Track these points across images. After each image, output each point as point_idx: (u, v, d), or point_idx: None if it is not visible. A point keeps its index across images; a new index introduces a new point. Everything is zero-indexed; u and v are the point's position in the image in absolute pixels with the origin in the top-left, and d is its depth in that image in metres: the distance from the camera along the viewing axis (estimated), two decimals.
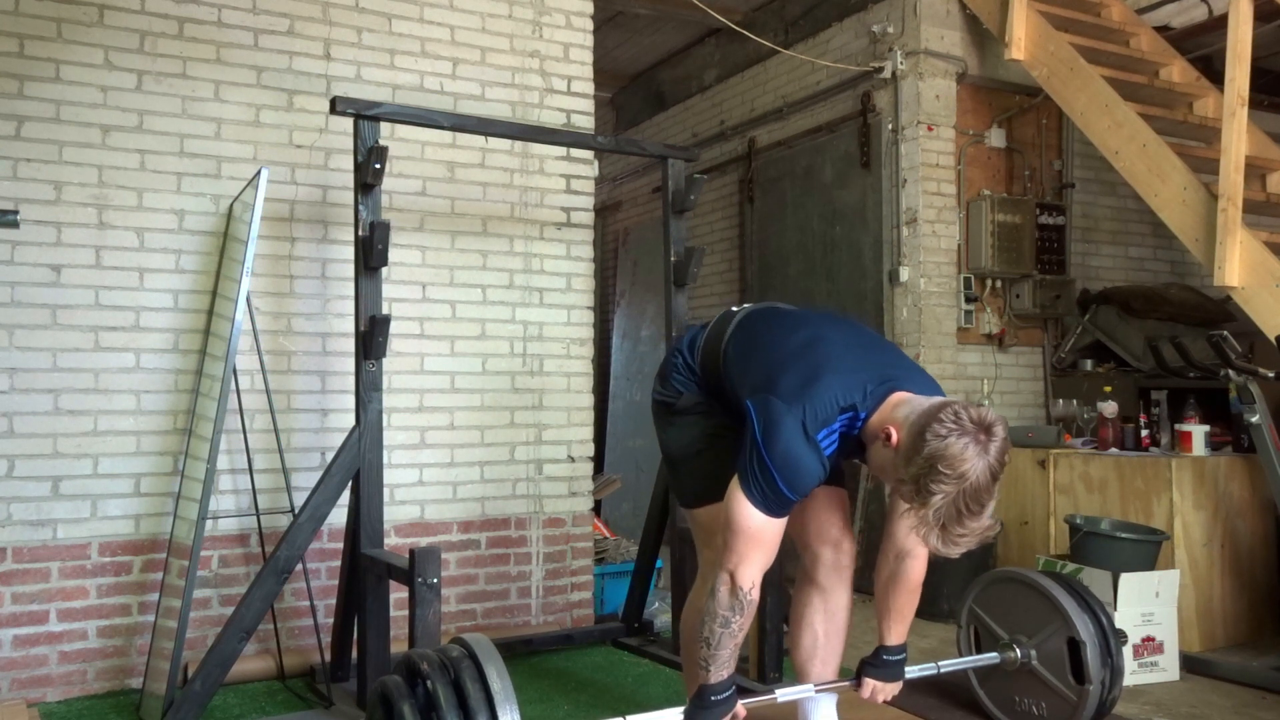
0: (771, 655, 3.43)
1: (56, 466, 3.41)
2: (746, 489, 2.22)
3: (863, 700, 2.60)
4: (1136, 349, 4.92)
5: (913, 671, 2.66)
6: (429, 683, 2.09)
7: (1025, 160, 5.29)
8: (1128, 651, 3.61)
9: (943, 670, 2.79)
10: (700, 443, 2.55)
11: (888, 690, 2.57)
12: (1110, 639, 2.76)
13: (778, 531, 2.27)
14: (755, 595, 2.26)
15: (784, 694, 2.50)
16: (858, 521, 4.79)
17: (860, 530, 4.90)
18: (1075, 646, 2.74)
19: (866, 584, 5.07)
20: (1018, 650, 2.87)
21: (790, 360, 2.30)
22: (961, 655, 3.11)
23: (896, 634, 2.56)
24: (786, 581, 3.41)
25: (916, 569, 2.52)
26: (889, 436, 2.15)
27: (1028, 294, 5.14)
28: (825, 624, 2.63)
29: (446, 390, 4.04)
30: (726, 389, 2.47)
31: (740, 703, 2.36)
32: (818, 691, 2.55)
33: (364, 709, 3.18)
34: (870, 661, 2.57)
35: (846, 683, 2.59)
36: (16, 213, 3.08)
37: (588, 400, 4.36)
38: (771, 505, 2.22)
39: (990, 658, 2.90)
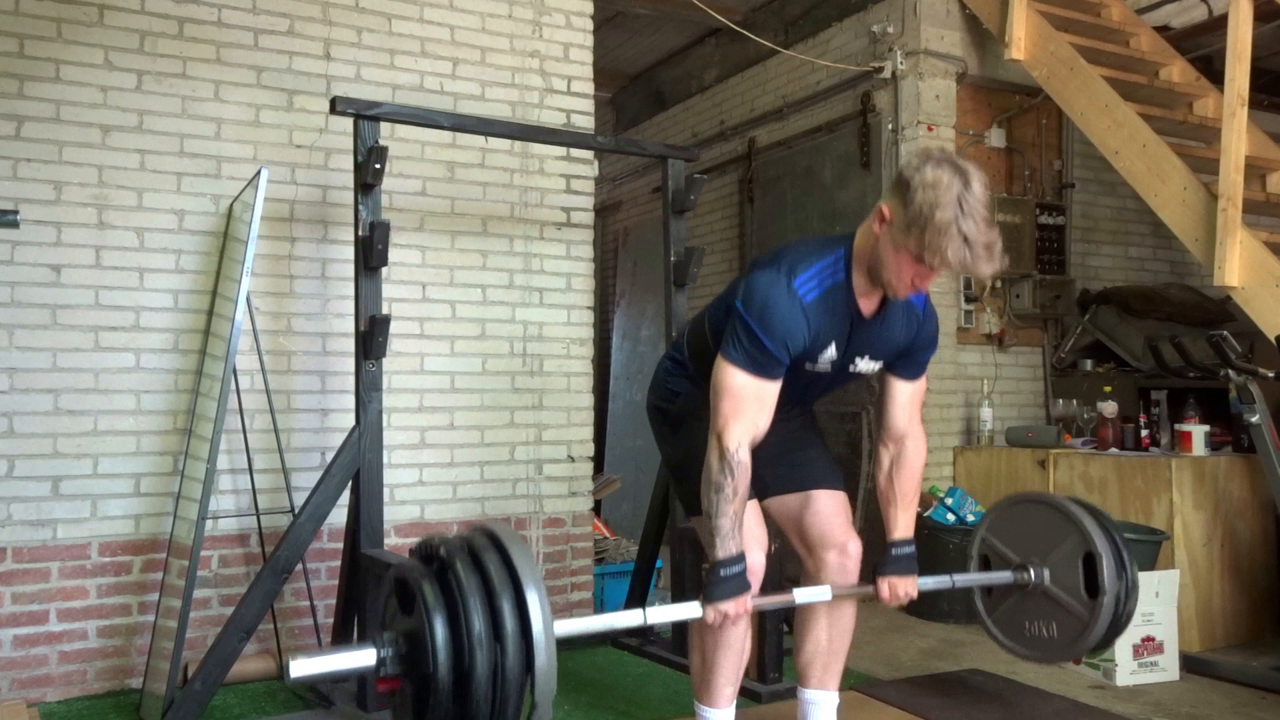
0: (772, 655, 3.42)
1: (56, 466, 3.41)
2: (726, 351, 2.25)
3: (883, 604, 2.55)
4: (1136, 349, 4.92)
5: (927, 582, 2.63)
6: (449, 564, 1.88)
7: (1025, 160, 5.29)
8: (1127, 651, 3.62)
9: (957, 584, 2.79)
10: (701, 450, 2.48)
11: (905, 586, 2.51)
12: (1124, 553, 2.74)
13: (763, 393, 2.25)
14: (743, 457, 2.22)
15: (801, 594, 2.42)
16: (857, 521, 4.79)
17: (860, 530, 4.90)
18: (1090, 561, 2.72)
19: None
20: (1030, 570, 2.85)
21: (761, 257, 2.41)
22: (975, 595, 3.04)
23: (904, 526, 2.53)
24: (788, 582, 3.41)
25: (917, 451, 2.54)
26: (881, 218, 2.19)
27: (1028, 294, 5.14)
28: (830, 629, 2.61)
29: (446, 390, 4.04)
30: (714, 352, 2.42)
31: (753, 598, 2.30)
32: (834, 595, 2.48)
33: (364, 709, 3.18)
34: (881, 560, 2.53)
35: (866, 587, 2.53)
36: (16, 213, 3.07)
37: (588, 400, 4.36)
38: (753, 360, 2.22)
39: (1004, 575, 2.88)
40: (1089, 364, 5.16)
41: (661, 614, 2.28)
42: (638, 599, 4.11)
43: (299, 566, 3.38)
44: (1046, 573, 2.81)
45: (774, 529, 2.63)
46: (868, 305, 2.33)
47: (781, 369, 2.26)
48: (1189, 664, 3.74)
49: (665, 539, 4.01)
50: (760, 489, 2.50)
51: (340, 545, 3.47)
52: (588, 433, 4.36)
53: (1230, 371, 3.72)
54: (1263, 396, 3.68)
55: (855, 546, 2.58)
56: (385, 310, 3.48)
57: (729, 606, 2.23)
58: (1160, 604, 3.67)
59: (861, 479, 5.03)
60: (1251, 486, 4.14)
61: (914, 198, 2.10)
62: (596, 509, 4.68)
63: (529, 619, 1.76)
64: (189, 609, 3.14)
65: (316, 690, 3.42)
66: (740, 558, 2.25)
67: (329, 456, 3.49)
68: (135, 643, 3.49)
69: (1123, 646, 3.61)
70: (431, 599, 1.80)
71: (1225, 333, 3.77)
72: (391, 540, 3.79)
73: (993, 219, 2.13)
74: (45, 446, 3.40)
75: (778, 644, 3.44)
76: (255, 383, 3.64)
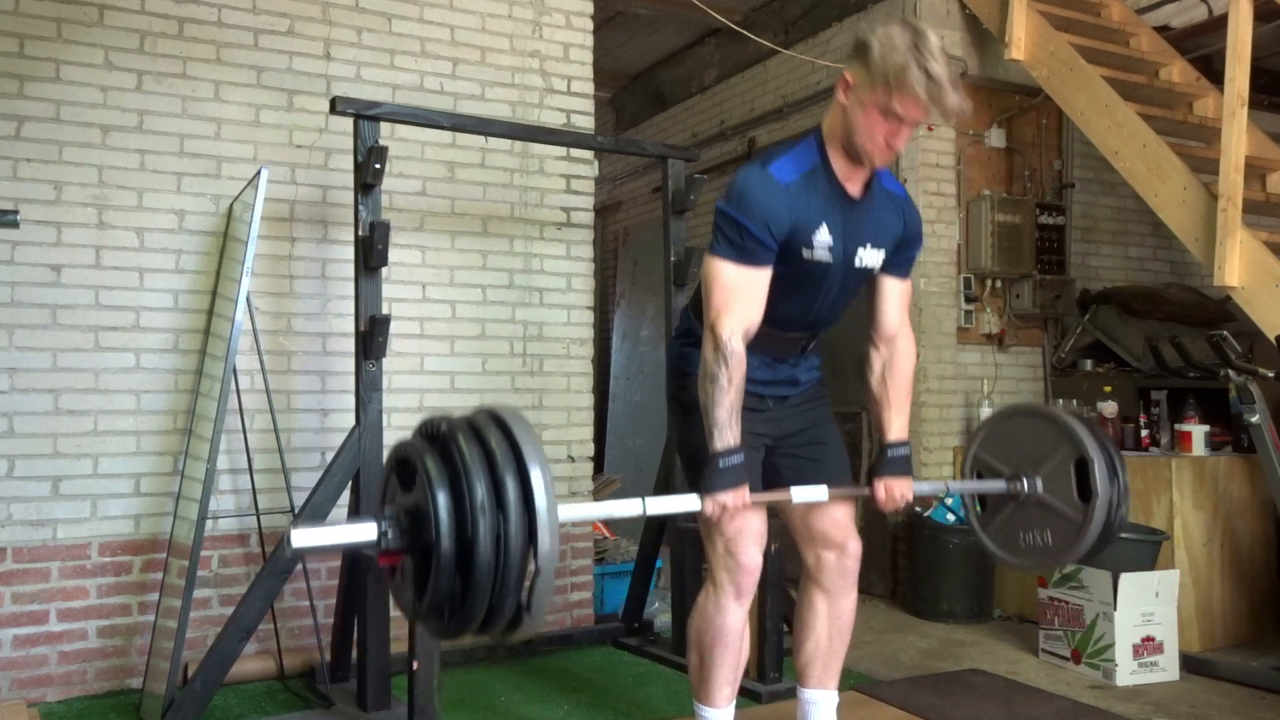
0: (772, 655, 3.42)
1: (56, 466, 3.41)
2: (713, 247, 2.30)
3: (880, 507, 2.53)
4: (1136, 349, 4.92)
5: (922, 487, 2.62)
6: (451, 438, 1.85)
7: (1025, 160, 5.29)
8: (1127, 651, 3.62)
9: (952, 490, 2.80)
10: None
11: (901, 487, 2.50)
12: (1115, 459, 2.75)
13: (753, 281, 2.28)
14: (736, 346, 2.24)
15: (798, 493, 2.39)
16: (857, 521, 4.78)
17: (860, 530, 4.90)
18: (1082, 467, 2.73)
19: (864, 584, 5.07)
20: (1023, 479, 2.85)
21: None
22: (968, 509, 3.04)
23: (897, 428, 2.53)
24: (788, 582, 3.41)
25: (908, 351, 2.55)
26: (845, 85, 2.26)
27: (1028, 294, 5.13)
28: (829, 628, 2.61)
29: (446, 390, 4.03)
30: None
31: (750, 494, 2.29)
32: (831, 497, 2.46)
33: (364, 709, 3.18)
34: (877, 463, 2.53)
35: (862, 489, 2.53)
36: (16, 213, 3.07)
37: (588, 400, 4.36)
38: (738, 248, 2.26)
39: (997, 484, 2.88)
40: (1089, 364, 5.16)
41: (660, 505, 2.29)
42: (638, 599, 4.11)
43: (299, 566, 3.38)
44: (1039, 482, 2.82)
45: (775, 527, 2.63)
46: (853, 187, 2.37)
47: (768, 254, 2.28)
48: (1189, 664, 3.74)
49: (665, 539, 4.01)
50: (774, 479, 2.50)
51: None
52: (588, 433, 4.36)
53: (1230, 371, 3.72)
54: (1263, 396, 3.68)
55: (855, 546, 2.59)
56: (385, 310, 3.48)
57: (727, 497, 2.24)
58: (1160, 604, 3.68)
59: (861, 478, 5.02)
60: (1251, 486, 4.14)
61: (873, 53, 2.19)
62: None
63: (531, 487, 1.75)
64: (189, 609, 3.14)
65: (316, 690, 3.42)
66: (738, 449, 2.25)
67: (329, 456, 3.49)
68: (135, 643, 3.49)
69: (1123, 646, 3.61)
70: (433, 469, 1.79)
71: (1225, 333, 3.78)
72: None
73: (950, 64, 2.20)
74: (45, 446, 3.40)
75: (778, 644, 3.44)
76: (255, 383, 3.64)
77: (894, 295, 2.54)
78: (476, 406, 1.96)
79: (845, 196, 2.35)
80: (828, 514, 2.56)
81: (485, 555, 1.71)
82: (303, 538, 1.76)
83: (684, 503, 2.26)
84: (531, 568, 1.74)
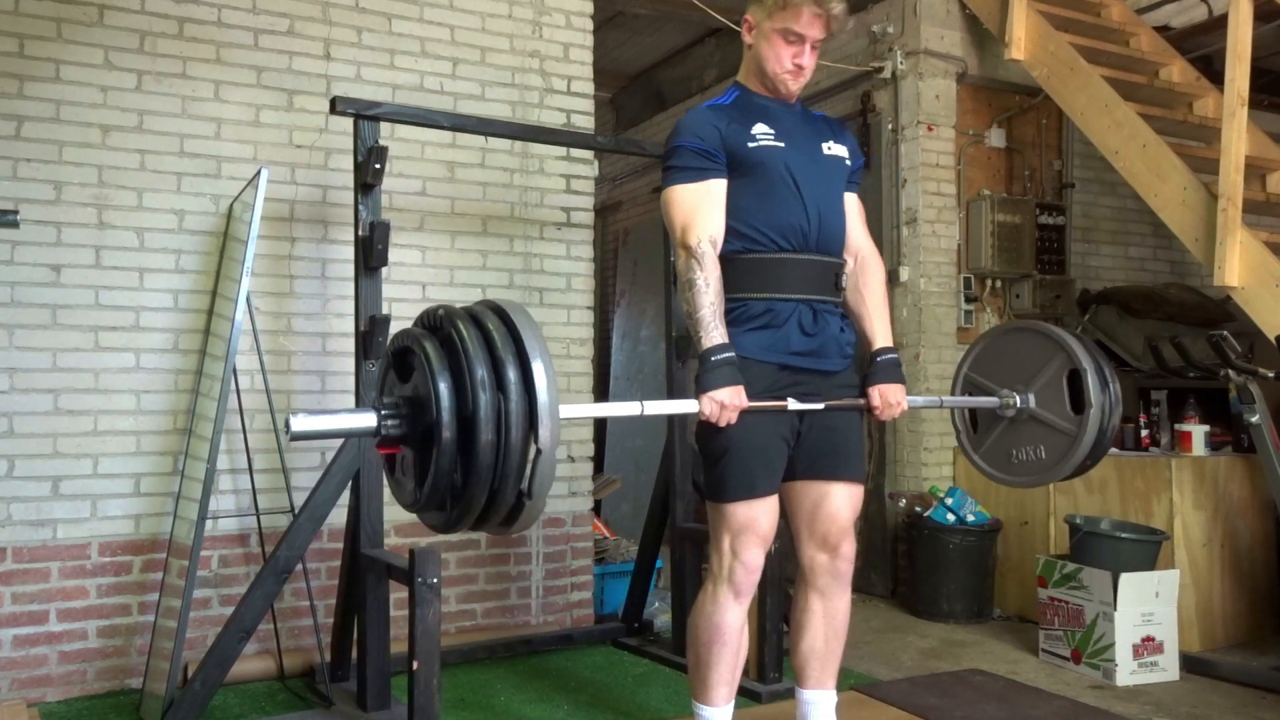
0: (771, 655, 3.43)
1: (56, 466, 3.41)
2: (665, 182, 2.44)
3: (877, 415, 2.53)
4: (1136, 349, 4.92)
5: (916, 400, 2.64)
6: (450, 323, 1.84)
7: (1025, 160, 5.29)
8: (1127, 651, 3.62)
9: (945, 404, 2.81)
10: (734, 439, 2.41)
11: (895, 393, 2.53)
12: (1106, 370, 2.75)
13: (707, 194, 2.40)
14: (706, 249, 2.34)
15: (794, 401, 2.39)
16: (857, 522, 4.78)
17: (860, 530, 4.90)
18: (1074, 379, 2.73)
19: (863, 584, 5.07)
20: (1016, 395, 2.85)
21: None
22: (959, 431, 3.03)
23: (882, 334, 2.59)
24: (786, 582, 3.41)
25: (876, 260, 2.65)
26: (748, 26, 2.55)
27: (1028, 294, 5.13)
28: (825, 628, 2.61)
29: None
30: None
31: (749, 404, 2.30)
32: (827, 408, 2.46)
33: (364, 709, 3.19)
34: (869, 371, 2.55)
35: (859, 400, 2.53)
36: (16, 213, 3.08)
37: (588, 400, 4.36)
38: (683, 169, 2.41)
39: (991, 400, 2.87)
40: None
41: (660, 406, 2.31)
42: (638, 599, 4.11)
43: (299, 566, 3.38)
44: (1032, 397, 2.82)
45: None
46: (775, 103, 2.55)
47: (713, 164, 2.41)
48: (1189, 664, 3.74)
49: (665, 539, 4.01)
50: (790, 472, 2.50)
51: (340, 545, 3.48)
52: (588, 433, 4.36)
53: (1230, 371, 3.72)
54: (1263, 396, 3.68)
55: (849, 549, 2.59)
56: (385, 310, 3.48)
57: (724, 394, 2.26)
58: (1160, 604, 3.68)
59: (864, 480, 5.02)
60: (1251, 486, 4.14)
61: None
62: (596, 509, 4.68)
63: (531, 370, 1.75)
64: (189, 609, 3.15)
65: (316, 690, 3.42)
66: (727, 346, 2.31)
67: (329, 456, 3.49)
68: (135, 643, 3.49)
69: (1123, 646, 3.62)
70: (433, 353, 1.78)
71: (1225, 333, 3.77)
72: (391, 540, 3.78)
73: None
74: (45, 446, 3.40)
75: (777, 644, 3.44)
76: (255, 383, 3.64)
77: (852, 207, 2.65)
78: (481, 300, 1.95)
79: (775, 106, 2.55)
80: (830, 514, 2.56)
81: (486, 436, 1.70)
82: (302, 423, 1.75)
83: (683, 405, 2.30)
84: (533, 451, 1.72)
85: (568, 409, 1.96)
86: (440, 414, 1.70)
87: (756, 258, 2.44)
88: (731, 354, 2.30)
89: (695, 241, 2.33)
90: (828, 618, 2.61)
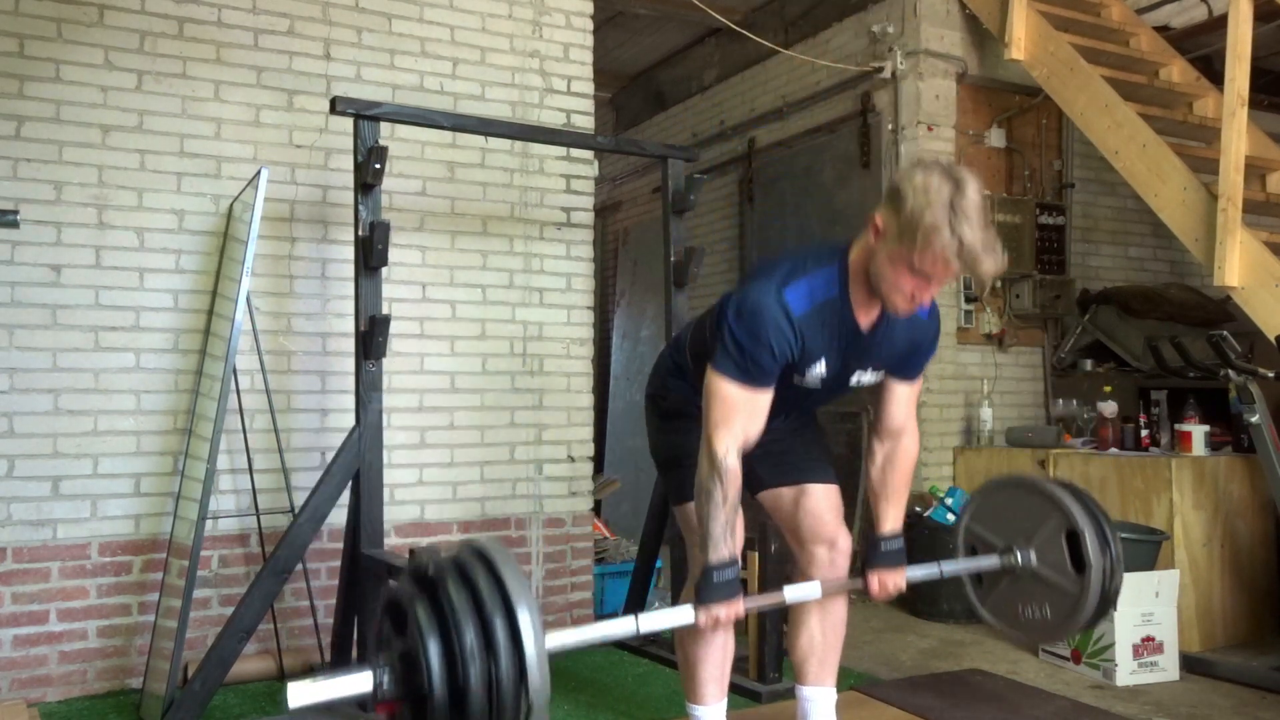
0: (771, 655, 3.43)
1: (56, 466, 3.41)
2: (716, 359, 2.25)
3: (872, 599, 2.53)
4: (1136, 349, 4.92)
5: (915, 573, 2.63)
6: (439, 582, 1.90)
7: (1025, 160, 5.29)
8: (1127, 651, 3.62)
9: (945, 573, 2.79)
10: (689, 446, 2.42)
11: (894, 579, 2.51)
12: (1105, 527, 2.75)
13: (752, 402, 2.25)
14: (732, 463, 2.22)
15: (791, 591, 2.41)
16: (857, 523, 4.79)
17: (859, 530, 4.90)
18: (1074, 539, 2.73)
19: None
20: (1017, 553, 2.85)
21: (761, 263, 2.44)
22: (966, 583, 3.04)
23: (892, 520, 2.54)
24: (786, 582, 3.40)
25: (910, 447, 2.53)
26: (875, 231, 2.16)
27: (1028, 294, 5.13)
28: (822, 623, 2.62)
29: (446, 390, 4.03)
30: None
31: (744, 600, 2.29)
32: (824, 592, 2.46)
33: (364, 709, 3.18)
34: (870, 554, 2.53)
35: (855, 581, 2.53)
36: (16, 213, 3.08)
37: (588, 400, 4.36)
38: (741, 369, 2.22)
39: (990, 560, 2.87)
40: (1089, 364, 5.16)
41: (654, 621, 2.28)
42: (638, 599, 4.11)
43: (299, 566, 3.38)
44: (1033, 554, 2.81)
45: (774, 528, 2.62)
46: (866, 318, 2.31)
47: (771, 379, 2.25)
48: (1189, 664, 3.74)
49: (665, 539, 4.01)
50: (754, 484, 2.52)
51: (340, 545, 3.47)
52: (588, 433, 4.36)
53: (1230, 371, 3.72)
54: (1263, 396, 3.67)
55: (845, 541, 2.59)
56: (385, 310, 3.48)
57: (720, 610, 2.23)
58: (1160, 604, 3.68)
59: (861, 479, 5.02)
60: (1251, 486, 4.14)
61: (905, 205, 2.06)
62: (596, 509, 4.68)
63: (519, 630, 1.80)
64: (189, 609, 3.14)
65: None
66: (732, 562, 2.25)
67: (329, 456, 3.49)
68: (135, 643, 3.49)
69: (1123, 646, 3.61)
70: (423, 618, 1.83)
71: (1225, 333, 3.77)
72: (391, 540, 3.78)
73: (989, 221, 2.09)
74: (45, 446, 3.40)
75: (777, 644, 3.44)
76: (255, 383, 3.64)
77: (901, 396, 2.50)
78: (463, 541, 2.02)
79: (855, 329, 2.30)
80: (815, 511, 2.57)
81: (478, 701, 1.77)
82: (299, 695, 1.79)
83: (678, 616, 2.27)
84: (524, 705, 1.80)
85: (557, 638, 2.03)
86: (433, 687, 1.78)
87: None
88: (735, 570, 2.25)
89: (723, 452, 2.21)
90: (825, 612, 2.61)
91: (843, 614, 2.64)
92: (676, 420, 2.56)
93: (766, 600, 2.46)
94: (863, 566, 2.54)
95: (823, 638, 2.61)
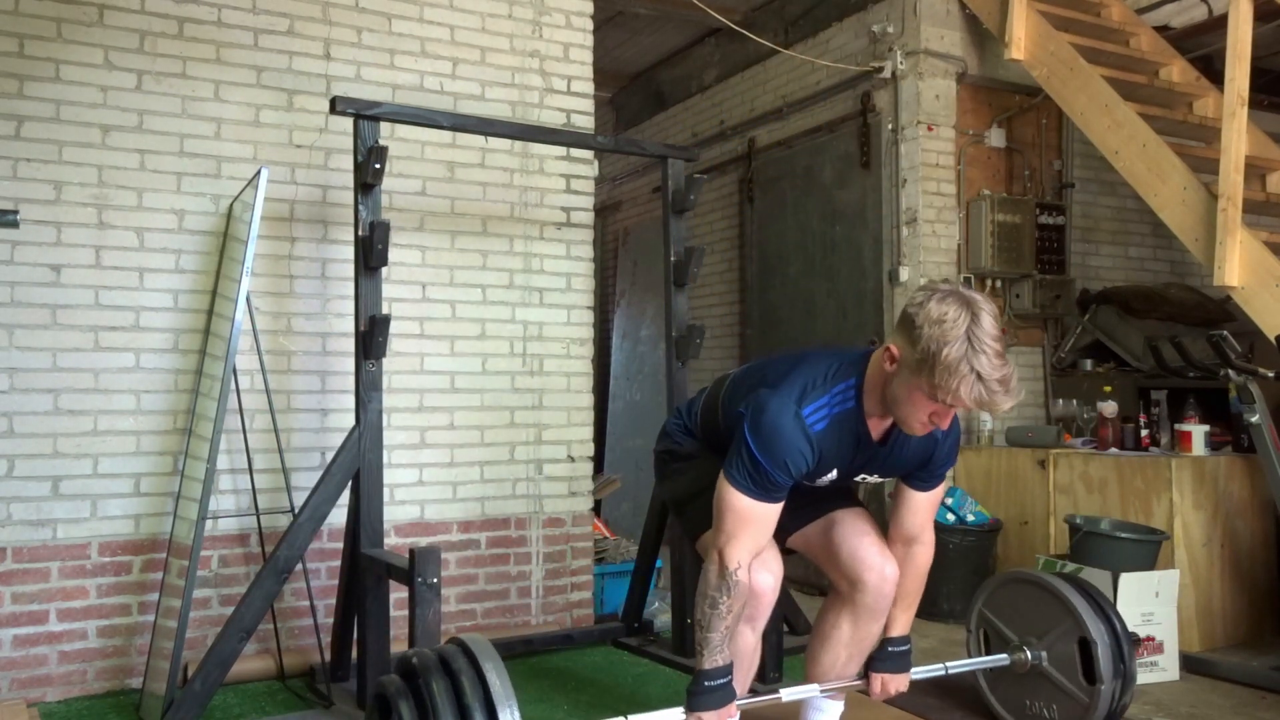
0: (771, 655, 3.42)
1: (56, 466, 3.41)
2: (730, 471, 2.24)
3: (871, 699, 2.57)
4: (1136, 349, 4.92)
5: (920, 672, 2.63)
6: (426, 683, 2.08)
7: (1025, 160, 5.29)
8: None
9: (951, 671, 2.77)
10: (703, 480, 2.44)
11: (897, 682, 2.53)
12: (1123, 641, 2.74)
13: (766, 515, 2.25)
14: (743, 577, 2.23)
15: (789, 693, 2.48)
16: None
17: None
18: (1086, 647, 2.73)
19: None
20: (1028, 651, 2.84)
21: (777, 365, 2.38)
22: (978, 674, 3.07)
23: (901, 624, 2.54)
24: (787, 581, 3.40)
25: (924, 556, 2.52)
26: (891, 358, 2.14)
27: (1028, 294, 5.13)
28: (850, 649, 2.59)
29: (446, 390, 4.03)
30: (723, 432, 2.45)
31: (737, 703, 2.34)
32: (823, 694, 2.53)
33: (364, 709, 3.18)
34: (876, 655, 2.54)
35: (854, 681, 2.56)
36: (16, 213, 3.08)
37: (588, 400, 4.36)
38: (756, 483, 2.21)
39: (1000, 659, 2.88)
40: (1089, 364, 5.16)
41: None
42: (637, 599, 4.11)
43: (299, 566, 3.38)
44: (1044, 654, 2.81)
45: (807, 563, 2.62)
46: (877, 429, 2.31)
47: (784, 493, 2.27)
48: (1189, 664, 3.74)
49: (665, 539, 4.01)
50: (780, 535, 2.49)
51: (340, 545, 3.48)
52: (588, 433, 4.36)
53: (1230, 371, 3.72)
54: (1263, 396, 3.67)
55: (892, 570, 2.51)
56: (385, 310, 3.48)
57: (711, 717, 2.27)
58: (1160, 604, 3.67)
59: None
60: (1251, 486, 4.14)
61: (921, 335, 2.05)
62: (596, 509, 4.68)
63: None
64: (189, 609, 3.14)
65: (316, 690, 3.42)
66: (727, 669, 2.28)
67: (329, 456, 3.50)
68: (135, 643, 3.49)
69: None
70: (406, 715, 2.02)
71: (1225, 333, 3.77)
72: (391, 540, 3.79)
73: (1004, 350, 2.07)
74: (45, 446, 3.40)
75: (777, 644, 3.44)
76: (255, 383, 3.64)
77: (917, 504, 2.49)
78: (452, 638, 2.17)
79: (867, 439, 2.30)
80: (852, 534, 2.53)
81: None
82: None
83: (668, 718, 2.30)
84: None
85: None
86: None
87: None
88: (728, 677, 2.28)
89: (734, 566, 2.22)
90: (856, 640, 2.58)
91: (872, 643, 2.58)
92: (692, 460, 2.58)
93: (761, 701, 2.47)
94: (866, 667, 2.56)
95: (846, 661, 2.60)
